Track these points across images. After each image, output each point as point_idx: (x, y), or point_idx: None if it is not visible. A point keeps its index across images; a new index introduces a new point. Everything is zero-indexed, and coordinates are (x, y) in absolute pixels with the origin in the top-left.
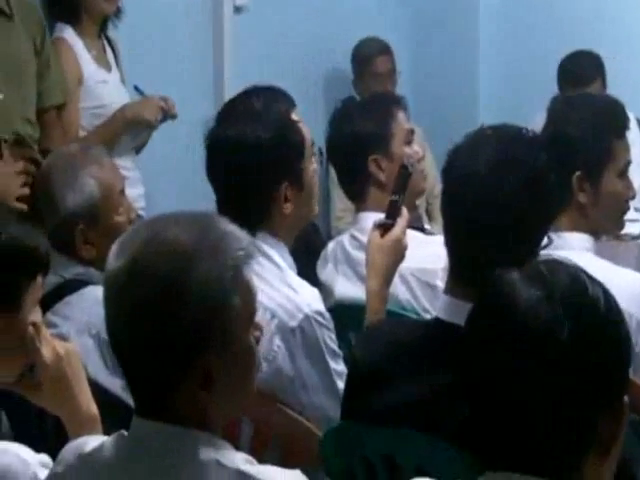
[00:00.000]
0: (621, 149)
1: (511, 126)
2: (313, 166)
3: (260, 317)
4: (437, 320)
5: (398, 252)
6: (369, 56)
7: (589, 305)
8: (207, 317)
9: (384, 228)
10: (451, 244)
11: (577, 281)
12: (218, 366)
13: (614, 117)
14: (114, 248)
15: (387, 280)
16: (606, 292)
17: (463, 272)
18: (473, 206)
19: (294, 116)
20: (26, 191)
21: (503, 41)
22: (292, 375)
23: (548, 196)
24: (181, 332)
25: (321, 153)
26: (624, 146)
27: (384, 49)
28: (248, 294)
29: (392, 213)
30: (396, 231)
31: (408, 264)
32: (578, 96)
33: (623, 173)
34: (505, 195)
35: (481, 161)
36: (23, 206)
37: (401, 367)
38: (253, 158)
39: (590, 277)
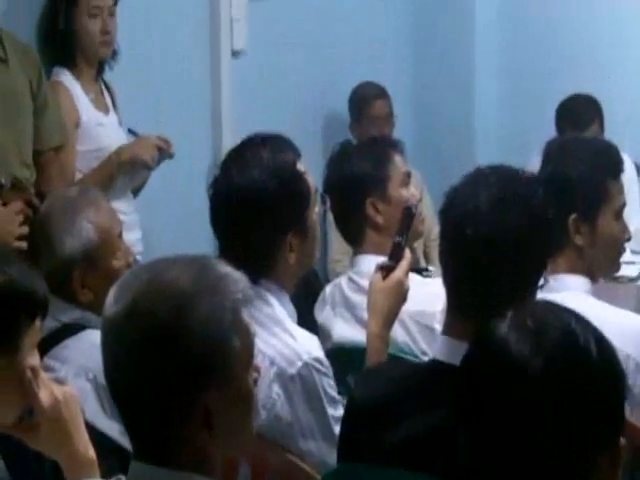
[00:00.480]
0: (616, 190)
1: (508, 166)
2: (315, 213)
3: (259, 363)
4: (435, 361)
5: (400, 294)
6: (366, 100)
7: (580, 357)
8: (207, 357)
9: (386, 270)
10: (449, 282)
11: (567, 333)
12: (218, 406)
13: (609, 159)
14: (112, 292)
15: (389, 322)
16: (599, 338)
17: (461, 310)
18: (473, 242)
19: (300, 166)
20: (25, 230)
21: (500, 85)
22: (291, 421)
23: (547, 232)
24: (181, 372)
25: (324, 201)
26: (619, 188)
27: (381, 93)
28: (247, 336)
29: (395, 255)
30: (398, 273)
31: (406, 306)
32: (573, 139)
33: (619, 215)
34: (506, 231)
35: (481, 199)
36: (22, 244)
37: (399, 408)
38: (260, 209)
39: (582, 324)
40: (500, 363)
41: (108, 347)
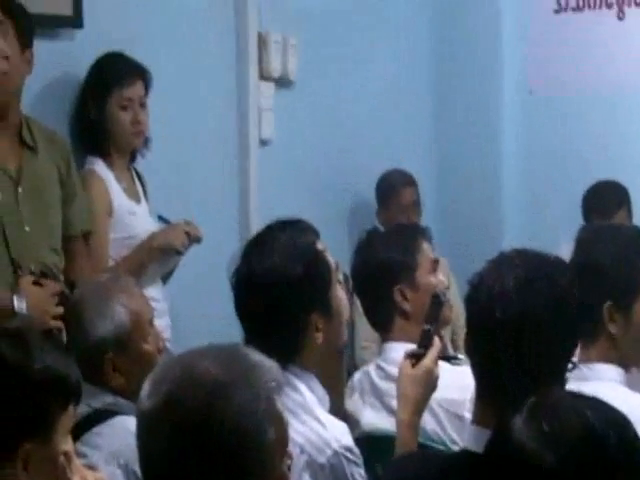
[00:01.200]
0: None
1: (531, 249)
2: (342, 295)
3: (291, 450)
4: (465, 451)
5: (430, 382)
6: (394, 187)
7: (596, 451)
8: (243, 449)
9: (415, 358)
10: (477, 369)
11: (583, 428)
12: None
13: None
14: (146, 385)
15: (418, 411)
16: (622, 430)
17: (489, 398)
18: (502, 325)
19: (319, 245)
20: (61, 310)
21: (527, 171)
22: None
23: (575, 312)
24: (218, 465)
25: (347, 279)
26: None
27: (409, 181)
28: (281, 424)
29: (424, 342)
30: (427, 361)
31: (435, 394)
32: (607, 226)
33: None
34: (535, 310)
35: (507, 280)
36: (59, 324)
37: None
38: (282, 293)
39: (602, 415)
40: (515, 459)
41: (143, 441)
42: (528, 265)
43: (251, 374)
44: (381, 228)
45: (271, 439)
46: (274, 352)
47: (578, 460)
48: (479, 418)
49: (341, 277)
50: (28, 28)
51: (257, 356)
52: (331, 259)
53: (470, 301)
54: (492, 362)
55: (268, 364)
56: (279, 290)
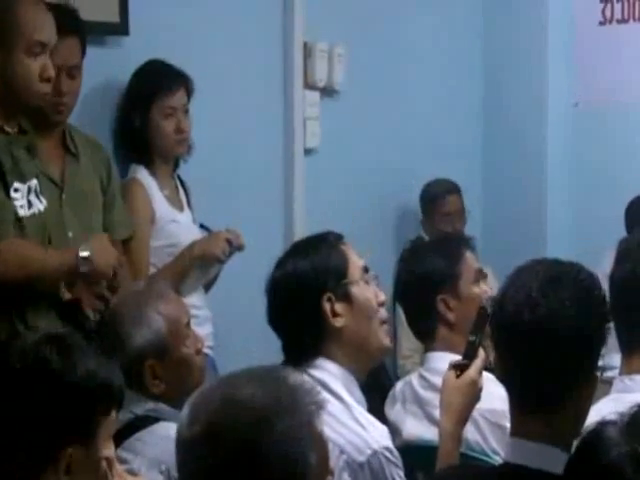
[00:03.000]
0: None
1: (549, 258)
2: (369, 289)
3: (330, 455)
4: (506, 464)
5: (473, 393)
6: (438, 196)
7: None
8: (287, 477)
9: (460, 368)
10: (508, 379)
11: None
12: None
13: None
14: (186, 411)
15: (461, 421)
16: None
17: (524, 409)
18: (531, 328)
19: (342, 245)
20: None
21: (573, 179)
22: None
23: (601, 310)
24: None
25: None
26: None
27: (453, 189)
28: (322, 446)
29: (469, 353)
30: (472, 372)
31: (478, 405)
32: None
33: None
34: (562, 310)
35: (531, 285)
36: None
37: None
38: (292, 283)
39: None
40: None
41: (186, 469)
42: (549, 270)
43: (292, 400)
44: (426, 237)
45: (313, 463)
46: (300, 345)
47: None
48: (517, 429)
49: (372, 276)
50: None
51: (297, 378)
52: (353, 255)
53: (496, 315)
54: (522, 370)
55: (308, 386)
56: (289, 282)
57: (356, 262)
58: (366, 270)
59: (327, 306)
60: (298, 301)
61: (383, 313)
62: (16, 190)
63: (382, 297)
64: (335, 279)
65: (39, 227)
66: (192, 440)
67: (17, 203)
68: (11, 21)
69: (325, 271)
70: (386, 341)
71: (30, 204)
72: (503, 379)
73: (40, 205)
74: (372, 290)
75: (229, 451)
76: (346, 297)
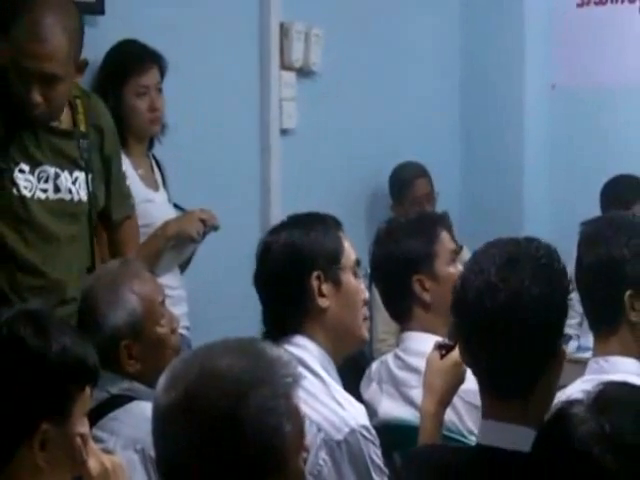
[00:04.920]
0: None
1: (505, 238)
2: (358, 282)
3: (306, 430)
4: (479, 446)
5: (457, 375)
6: (407, 180)
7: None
8: (262, 447)
9: (445, 349)
10: (475, 367)
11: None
12: None
13: None
14: (162, 379)
15: (444, 402)
16: None
17: (495, 394)
18: (494, 314)
19: (340, 233)
20: None
21: (548, 162)
22: None
23: (560, 285)
24: (236, 463)
25: (367, 275)
26: None
27: (421, 172)
28: (298, 419)
29: (454, 335)
30: (456, 353)
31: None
32: (612, 218)
33: None
34: (522, 292)
35: (488, 270)
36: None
37: None
38: (283, 255)
39: None
40: (572, 460)
41: (162, 435)
42: (505, 252)
43: (269, 372)
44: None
45: (289, 435)
46: (282, 318)
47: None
48: (488, 412)
49: (361, 272)
50: None
51: (274, 351)
52: (349, 247)
53: (457, 303)
54: (492, 355)
55: (286, 359)
56: (282, 251)
57: (350, 252)
58: (358, 264)
59: (315, 284)
60: (287, 271)
61: (366, 311)
62: (22, 171)
63: (367, 295)
64: (328, 260)
65: (52, 212)
66: (168, 407)
67: (20, 182)
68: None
69: (320, 249)
70: (365, 334)
71: (44, 189)
72: (470, 365)
73: (69, 195)
74: (361, 286)
75: (204, 420)
76: (335, 281)
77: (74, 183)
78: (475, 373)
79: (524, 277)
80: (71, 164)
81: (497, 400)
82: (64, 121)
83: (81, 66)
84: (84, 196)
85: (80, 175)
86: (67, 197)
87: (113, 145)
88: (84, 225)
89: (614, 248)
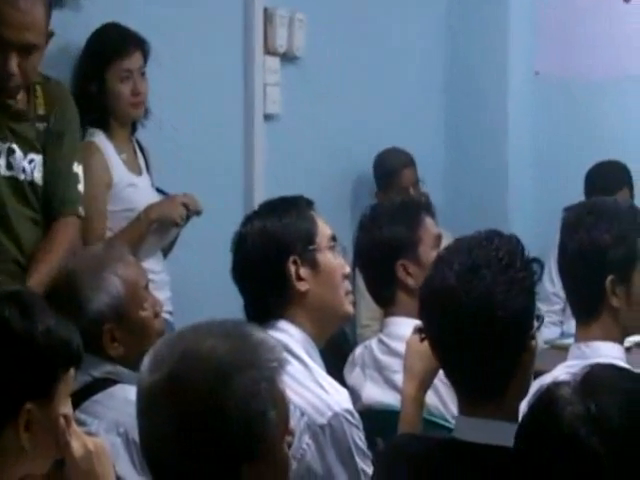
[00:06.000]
0: None
1: (466, 240)
2: (336, 258)
3: (293, 425)
4: (453, 440)
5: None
6: (394, 169)
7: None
8: (245, 431)
9: (424, 333)
10: (447, 368)
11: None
12: (255, 477)
13: (635, 218)
14: (146, 360)
15: (424, 386)
16: None
17: (469, 395)
18: (449, 321)
19: (312, 213)
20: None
21: (532, 150)
22: (322, 474)
23: (525, 283)
24: (219, 447)
25: (345, 251)
26: None
27: (408, 161)
28: (282, 403)
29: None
30: None
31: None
32: (597, 202)
33: None
34: (477, 299)
35: (448, 275)
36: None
37: None
38: (259, 241)
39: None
40: (559, 443)
41: (145, 416)
42: (465, 257)
43: (254, 355)
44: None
45: (272, 420)
46: (263, 305)
47: (625, 445)
48: (461, 407)
49: (339, 247)
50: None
51: (260, 334)
52: (324, 225)
53: (422, 309)
54: (462, 360)
55: (271, 343)
56: (256, 240)
57: (325, 230)
58: (334, 239)
59: (292, 269)
60: (263, 260)
61: (347, 285)
62: None
63: (347, 269)
64: (302, 243)
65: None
66: (152, 388)
67: None
68: None
69: (293, 234)
70: (349, 308)
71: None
72: (442, 365)
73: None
74: (338, 261)
75: (187, 401)
76: (312, 263)
77: (30, 163)
78: (447, 374)
79: (487, 283)
80: (26, 145)
81: (471, 399)
82: (20, 101)
83: (49, 37)
84: (39, 179)
85: (37, 158)
86: (20, 177)
87: (69, 133)
88: (37, 209)
89: (595, 234)
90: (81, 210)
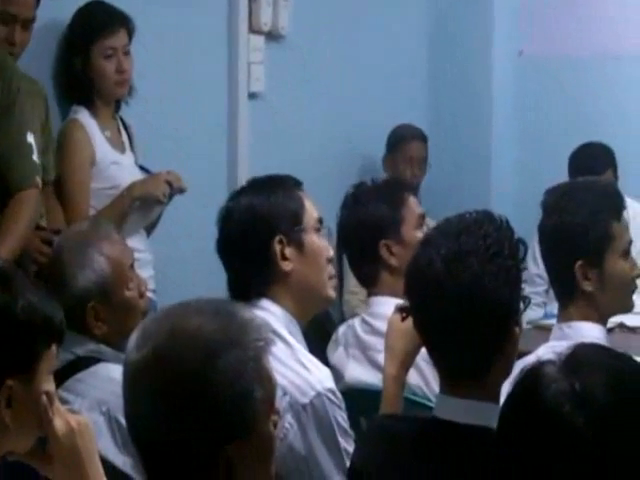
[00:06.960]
0: (621, 230)
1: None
2: (321, 241)
3: (278, 405)
4: (434, 419)
5: (418, 337)
6: (404, 138)
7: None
8: (232, 410)
9: (406, 312)
10: (430, 350)
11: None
12: (241, 457)
13: (609, 200)
14: (134, 337)
15: (406, 365)
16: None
17: (451, 376)
18: (434, 306)
19: (300, 193)
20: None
21: (516, 130)
22: (304, 454)
23: (513, 271)
24: (206, 425)
25: (330, 233)
26: (623, 227)
27: (420, 135)
28: (269, 383)
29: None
30: None
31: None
32: (571, 185)
33: (626, 253)
34: (463, 287)
35: (436, 260)
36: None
37: (399, 467)
38: (245, 218)
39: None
40: (544, 420)
41: (131, 393)
42: (452, 243)
43: (241, 334)
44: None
45: (258, 399)
46: (246, 283)
47: (609, 422)
48: (442, 387)
49: (325, 230)
50: None
51: (247, 313)
52: (310, 205)
53: (408, 291)
54: (447, 344)
55: (258, 322)
56: (243, 216)
57: (312, 211)
58: (320, 222)
59: (277, 248)
60: (249, 237)
61: (331, 269)
62: None
63: (332, 252)
64: (289, 223)
65: None
66: (138, 365)
67: None
68: None
69: (280, 213)
70: (331, 292)
71: None
72: (425, 345)
73: None
74: (324, 243)
75: (173, 379)
76: (297, 243)
77: None
78: (430, 353)
79: (473, 272)
80: None
81: (453, 379)
82: None
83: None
84: None
85: None
86: None
87: (18, 103)
88: None
89: (566, 217)
90: (38, 180)
